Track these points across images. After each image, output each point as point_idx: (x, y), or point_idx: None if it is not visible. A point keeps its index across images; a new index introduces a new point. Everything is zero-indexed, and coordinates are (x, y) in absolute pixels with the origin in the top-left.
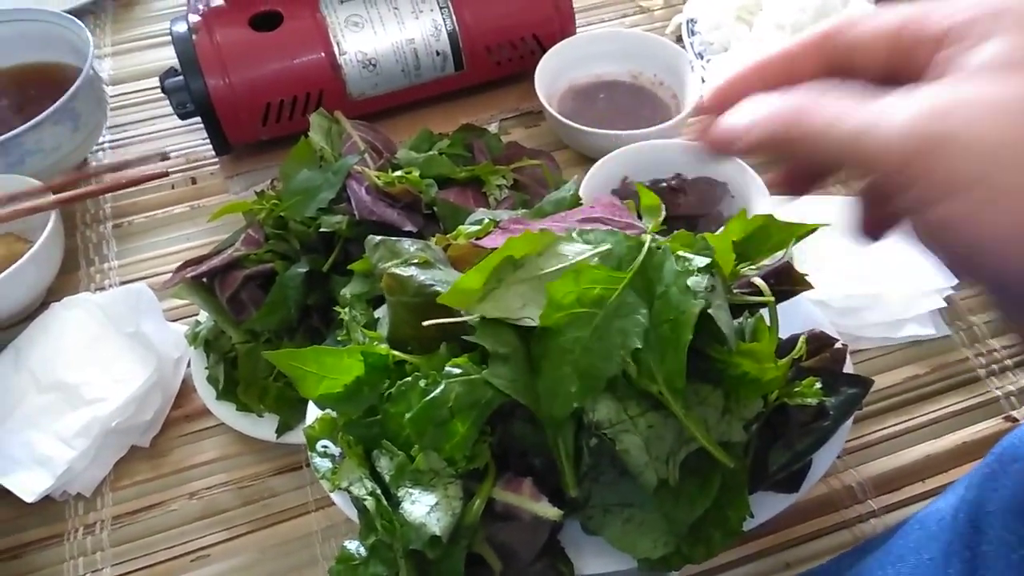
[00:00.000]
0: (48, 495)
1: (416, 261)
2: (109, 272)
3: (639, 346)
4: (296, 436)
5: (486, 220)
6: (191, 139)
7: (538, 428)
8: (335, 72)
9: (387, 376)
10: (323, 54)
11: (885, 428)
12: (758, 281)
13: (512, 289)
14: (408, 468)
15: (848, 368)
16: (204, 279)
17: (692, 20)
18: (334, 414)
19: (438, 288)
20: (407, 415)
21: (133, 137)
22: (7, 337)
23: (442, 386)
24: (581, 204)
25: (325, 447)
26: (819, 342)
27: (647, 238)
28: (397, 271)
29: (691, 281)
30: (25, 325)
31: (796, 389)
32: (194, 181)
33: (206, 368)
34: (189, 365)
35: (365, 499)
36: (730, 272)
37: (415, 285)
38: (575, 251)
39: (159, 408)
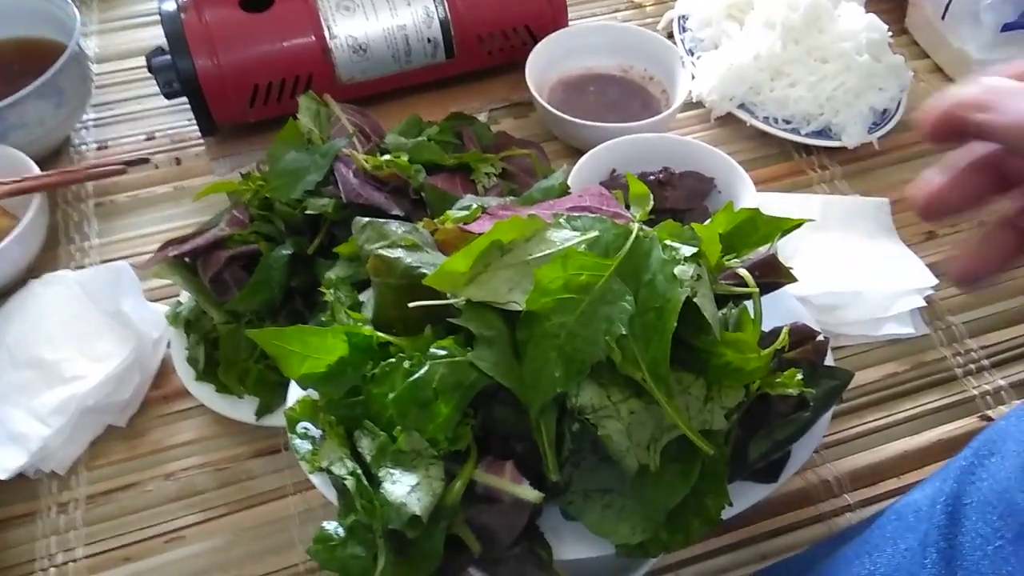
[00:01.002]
0: (22, 472)
1: (403, 243)
2: (90, 250)
3: (624, 332)
4: (275, 419)
5: (474, 206)
6: (176, 119)
7: (521, 412)
8: (325, 56)
9: (371, 357)
10: (313, 37)
11: (863, 424)
12: (743, 272)
13: (499, 273)
14: (390, 448)
15: (829, 362)
16: (187, 259)
17: (683, 16)
18: (315, 396)
19: (424, 271)
20: (390, 395)
21: (118, 116)
22: None
23: (426, 367)
24: (570, 192)
25: (305, 429)
26: (801, 335)
27: (635, 226)
28: (384, 253)
29: (677, 270)
30: (2, 302)
31: (778, 380)
32: (178, 162)
33: (186, 349)
34: (169, 346)
35: (345, 478)
36: (716, 263)
37: (402, 267)
38: (563, 237)
39: (137, 388)
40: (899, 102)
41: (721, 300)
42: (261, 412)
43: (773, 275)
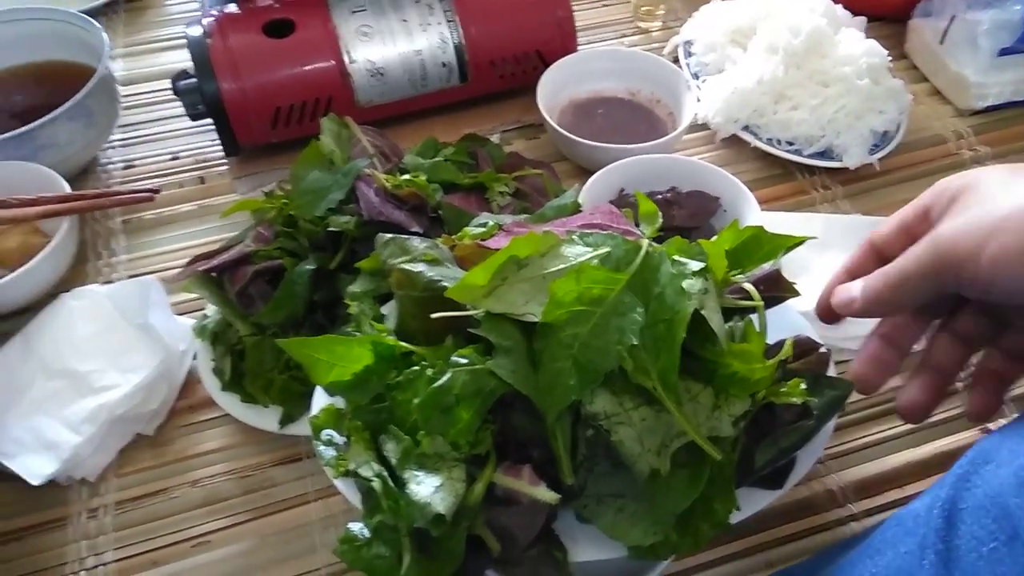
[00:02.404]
0: (53, 479)
1: (424, 258)
2: (117, 266)
3: (635, 343)
4: (298, 428)
5: (490, 223)
6: (200, 140)
7: (537, 419)
8: (344, 80)
9: (395, 365)
10: (333, 62)
11: (866, 436)
12: (748, 286)
13: (516, 287)
14: (414, 452)
15: (831, 373)
16: (214, 273)
17: (688, 42)
18: (339, 404)
19: (445, 284)
20: (415, 401)
21: (144, 136)
22: (16, 325)
23: (448, 375)
24: (581, 211)
25: (330, 435)
26: (804, 347)
27: (644, 242)
28: (406, 267)
29: (685, 283)
30: (33, 314)
31: (782, 389)
32: (202, 180)
33: (212, 360)
34: (195, 357)
35: (372, 480)
36: (722, 278)
37: (423, 281)
38: (576, 253)
39: (164, 398)
40: (899, 124)
41: (727, 313)
42: (284, 421)
43: (777, 289)
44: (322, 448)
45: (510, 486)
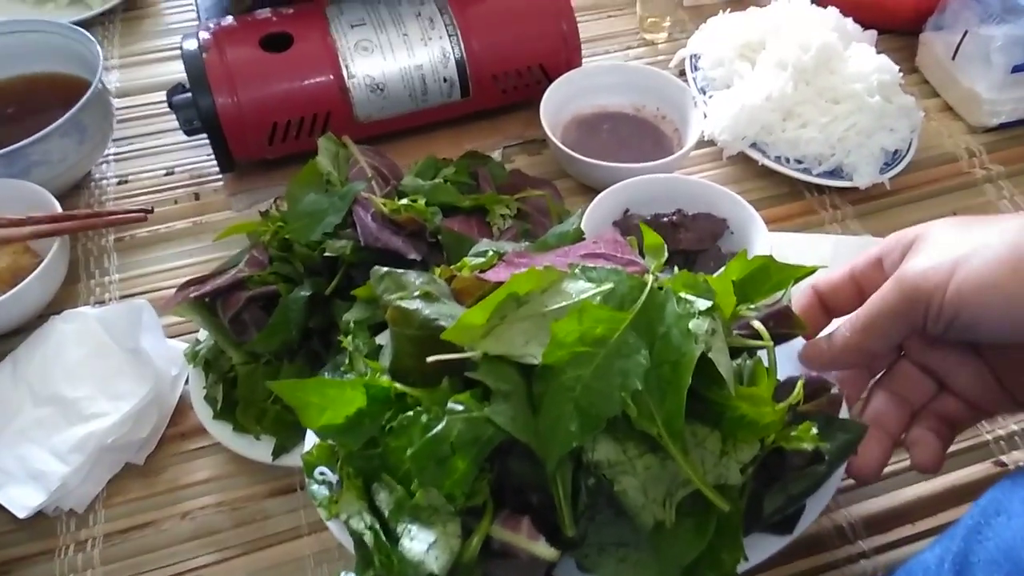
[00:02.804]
0: (41, 510)
1: (421, 294)
2: (109, 285)
3: (639, 387)
4: (291, 459)
5: (490, 252)
6: (195, 154)
7: (536, 465)
8: (343, 95)
9: (389, 408)
10: (332, 77)
11: None
12: (757, 325)
13: (515, 326)
14: (407, 504)
15: (843, 414)
16: (207, 299)
17: (695, 56)
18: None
19: (442, 323)
20: (409, 451)
21: (138, 150)
22: (5, 348)
23: (444, 423)
24: (584, 238)
25: (323, 474)
26: (816, 387)
27: (649, 279)
28: (402, 304)
29: (692, 324)
30: (23, 336)
31: (793, 434)
32: (197, 197)
33: (204, 387)
34: (187, 383)
35: (364, 533)
36: (730, 314)
37: (420, 319)
38: (578, 289)
39: (155, 425)
40: (910, 142)
41: (735, 351)
42: (277, 452)
43: (787, 326)
44: (315, 488)
45: (508, 540)
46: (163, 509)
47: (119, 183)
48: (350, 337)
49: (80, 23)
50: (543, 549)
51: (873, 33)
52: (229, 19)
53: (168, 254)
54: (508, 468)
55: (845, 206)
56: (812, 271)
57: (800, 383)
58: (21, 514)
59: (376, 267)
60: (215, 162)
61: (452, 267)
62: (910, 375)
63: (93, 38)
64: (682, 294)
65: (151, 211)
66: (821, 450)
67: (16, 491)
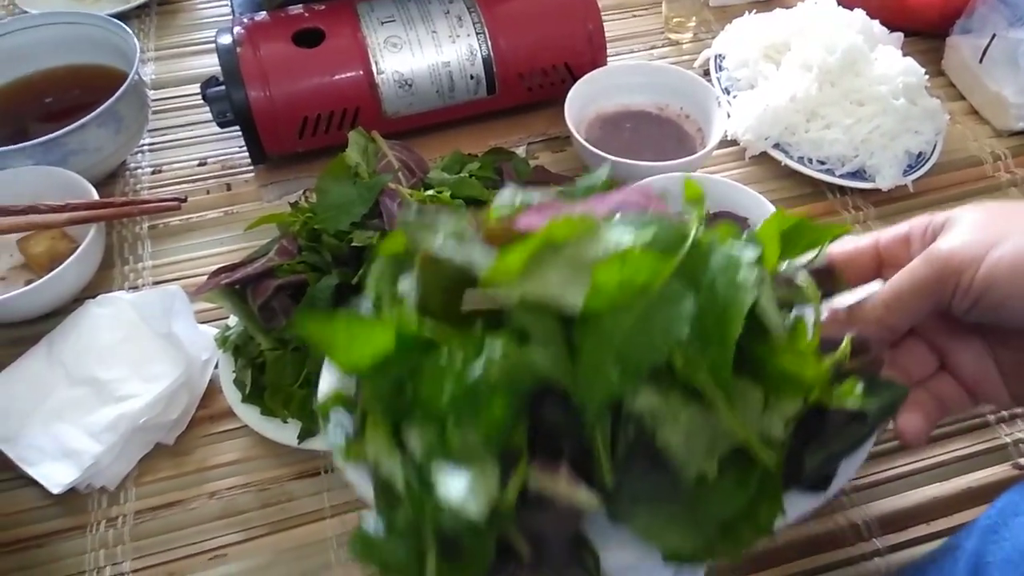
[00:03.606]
0: (74, 487)
1: (454, 237)
2: (143, 271)
3: (684, 336)
4: (316, 442)
5: (518, 200)
6: (227, 146)
7: (572, 414)
8: (372, 90)
9: (418, 351)
10: (361, 72)
11: (893, 468)
12: (804, 277)
13: (553, 272)
14: (441, 446)
15: None
16: (237, 286)
17: (720, 56)
18: (349, 390)
19: (476, 267)
20: (444, 393)
21: (172, 141)
22: (41, 330)
23: (480, 364)
24: (613, 190)
25: (340, 419)
26: (858, 346)
27: (694, 225)
28: (434, 249)
29: (740, 274)
30: (59, 319)
31: (837, 391)
32: (229, 187)
33: (233, 372)
34: (216, 367)
35: (394, 476)
36: (772, 268)
37: (451, 263)
38: (618, 235)
39: (185, 408)
40: (935, 145)
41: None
42: (303, 436)
43: (828, 284)
44: (332, 428)
45: (546, 487)
46: (191, 488)
47: (153, 172)
48: (375, 280)
49: (117, 16)
50: (583, 496)
51: (899, 36)
52: (262, 14)
53: (200, 242)
54: (543, 416)
55: (867, 207)
56: (846, 230)
57: (848, 339)
58: (55, 490)
59: (407, 205)
60: (247, 154)
61: (479, 213)
62: (915, 350)
63: (130, 31)
64: (728, 243)
65: (185, 200)
66: (864, 410)
67: (50, 467)
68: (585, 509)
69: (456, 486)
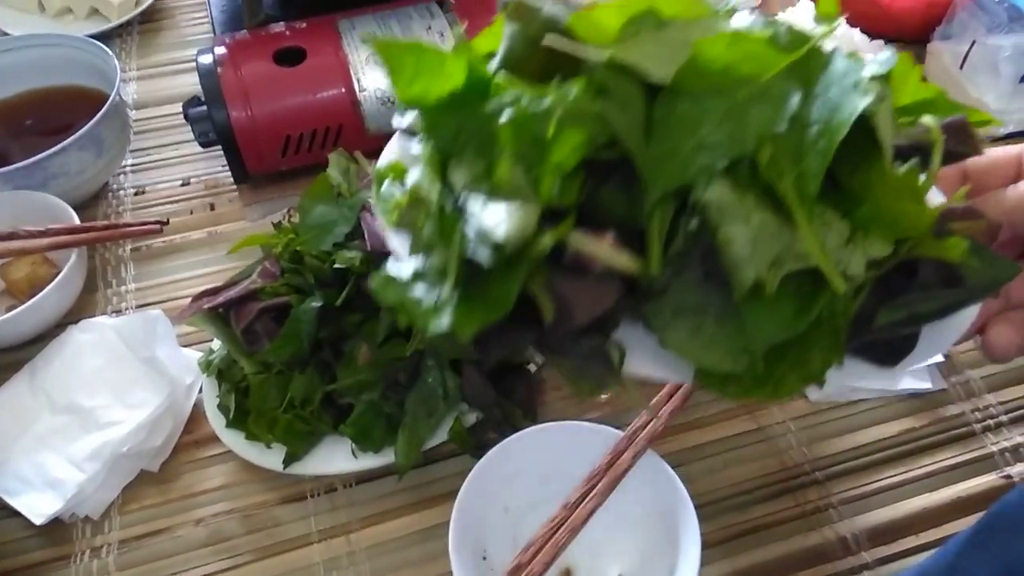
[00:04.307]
0: (58, 517)
1: None
2: (126, 295)
3: (780, 132)
4: (301, 467)
5: None
6: (211, 165)
7: (632, 197)
8: (354, 108)
9: (488, 93)
10: (343, 90)
11: (880, 480)
12: (929, 121)
13: (650, 42)
14: (487, 178)
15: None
16: (220, 309)
17: None
18: (405, 161)
19: (566, 19)
20: (503, 118)
21: (155, 161)
22: (23, 357)
23: (549, 100)
24: None
25: (391, 184)
26: (968, 212)
27: (817, 32)
28: None
29: (859, 82)
30: (41, 345)
31: (940, 242)
32: (212, 207)
33: (217, 396)
34: (201, 390)
35: (429, 198)
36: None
37: (542, 16)
38: (735, 23)
39: (169, 433)
40: None
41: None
42: (288, 461)
43: (960, 143)
44: (384, 190)
45: (586, 249)
46: (177, 516)
47: (136, 194)
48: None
49: (98, 36)
50: (625, 259)
51: (880, 43)
52: (243, 33)
53: (184, 264)
54: (597, 189)
55: None
56: (989, 120)
57: (962, 190)
58: (38, 520)
59: None
60: (230, 173)
61: None
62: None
63: (111, 51)
64: (851, 57)
65: (167, 223)
66: (962, 273)
67: (33, 498)
68: (620, 284)
69: (492, 213)
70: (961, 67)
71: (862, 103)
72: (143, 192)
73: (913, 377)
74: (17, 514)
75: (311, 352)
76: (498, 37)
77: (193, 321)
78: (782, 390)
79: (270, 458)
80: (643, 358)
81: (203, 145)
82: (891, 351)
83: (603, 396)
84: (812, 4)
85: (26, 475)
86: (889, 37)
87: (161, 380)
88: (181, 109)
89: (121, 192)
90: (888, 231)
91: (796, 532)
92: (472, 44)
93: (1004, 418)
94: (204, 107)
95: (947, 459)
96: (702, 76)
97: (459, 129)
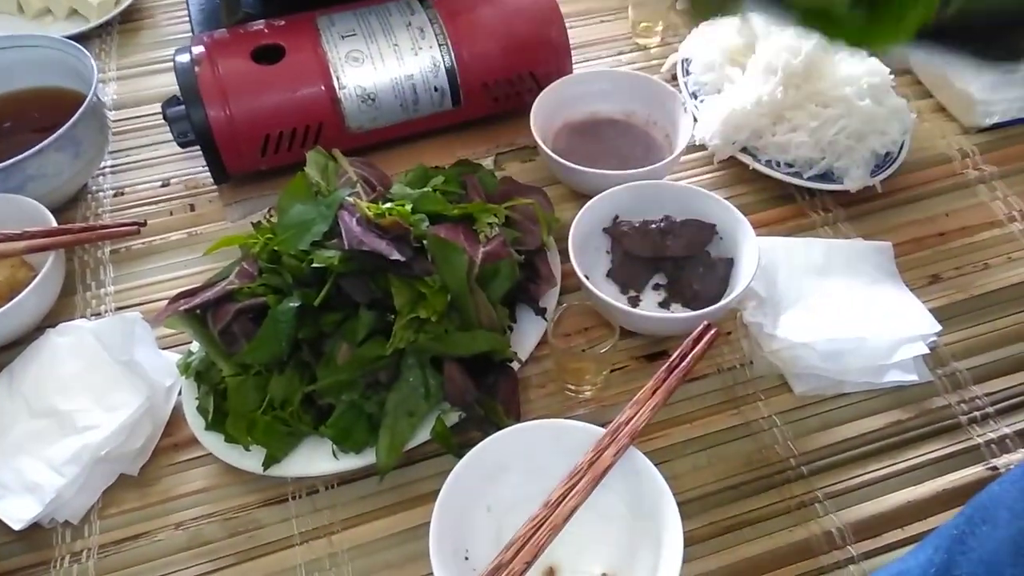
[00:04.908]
0: (37, 522)
1: None
2: (105, 297)
3: None
4: (282, 469)
5: None
6: (191, 165)
7: None
8: (334, 106)
9: None
10: (323, 88)
11: (866, 473)
12: None
13: None
14: None
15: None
16: (197, 311)
17: (687, 60)
18: None
19: None
20: None
21: (134, 162)
22: (1, 361)
23: None
24: None
25: None
26: None
27: None
28: None
29: None
30: (19, 349)
31: None
32: (192, 208)
33: (196, 398)
34: (180, 393)
35: None
36: None
37: None
38: None
39: (149, 436)
40: (901, 144)
41: None
42: (268, 463)
43: None
44: None
45: None
46: (157, 519)
47: (115, 195)
48: None
49: (78, 36)
50: None
51: None
52: (221, 31)
53: (163, 265)
54: None
55: (837, 209)
56: None
57: None
58: (17, 526)
59: None
60: (210, 173)
61: None
62: None
63: (88, 52)
64: None
65: (144, 224)
66: None
67: (12, 503)
68: None
69: None
70: None
71: None
72: (123, 194)
73: (899, 370)
74: None
75: (290, 353)
76: None
77: (170, 323)
78: (902, 30)
79: (250, 460)
80: None
81: (182, 145)
82: (1009, 49)
83: (587, 393)
84: None
85: (4, 480)
86: None
87: (140, 383)
88: (160, 109)
89: (100, 194)
90: None
91: (782, 527)
92: None
93: (990, 409)
94: (182, 107)
95: (933, 452)
96: None
97: None
